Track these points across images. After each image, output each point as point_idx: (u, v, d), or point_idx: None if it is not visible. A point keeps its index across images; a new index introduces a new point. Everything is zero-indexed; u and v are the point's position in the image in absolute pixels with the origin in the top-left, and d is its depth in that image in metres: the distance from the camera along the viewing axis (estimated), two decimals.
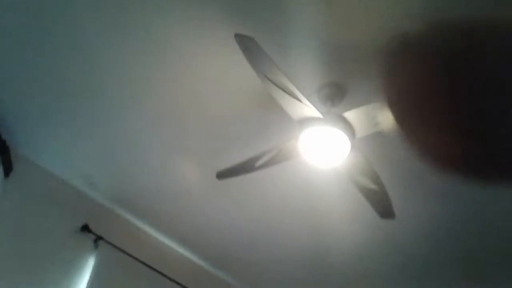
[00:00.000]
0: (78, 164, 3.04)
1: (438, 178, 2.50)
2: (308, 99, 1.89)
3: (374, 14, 1.82)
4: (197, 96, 2.38)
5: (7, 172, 2.80)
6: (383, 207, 2.36)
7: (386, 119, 1.99)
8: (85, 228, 3.12)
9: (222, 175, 2.45)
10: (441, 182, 2.52)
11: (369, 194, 2.30)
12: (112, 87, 2.42)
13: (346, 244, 3.20)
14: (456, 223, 2.78)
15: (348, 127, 2.00)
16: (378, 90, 2.10)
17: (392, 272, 3.37)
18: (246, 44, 1.74)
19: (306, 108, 1.95)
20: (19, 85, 2.50)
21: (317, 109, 1.94)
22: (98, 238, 3.15)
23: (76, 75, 2.38)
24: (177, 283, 3.47)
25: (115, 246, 3.21)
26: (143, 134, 2.69)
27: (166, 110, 2.50)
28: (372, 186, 2.24)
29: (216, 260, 3.74)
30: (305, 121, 2.01)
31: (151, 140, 2.72)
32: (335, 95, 2.15)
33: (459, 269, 3.20)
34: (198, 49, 2.12)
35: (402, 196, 2.63)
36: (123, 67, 2.28)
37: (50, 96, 2.53)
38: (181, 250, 3.68)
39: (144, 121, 2.59)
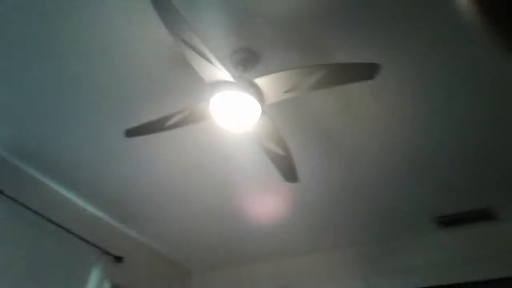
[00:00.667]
0: None
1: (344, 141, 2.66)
2: (220, 63, 1.90)
3: None
4: (108, 54, 2.28)
5: None
6: (288, 171, 2.47)
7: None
8: None
9: (132, 132, 2.40)
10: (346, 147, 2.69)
11: (275, 158, 2.39)
12: (17, 41, 2.23)
13: (253, 207, 3.32)
14: (356, 188, 2.99)
15: (258, 92, 2.04)
16: (290, 58, 2.15)
17: (301, 229, 3.56)
18: (161, 5, 1.69)
19: (218, 71, 1.95)
20: None
21: (229, 72, 1.95)
22: None
23: None
24: (83, 239, 3.41)
25: (14, 200, 3.07)
26: (49, 90, 2.53)
27: (74, 66, 2.36)
28: (279, 151, 2.33)
29: (120, 214, 3.70)
30: (216, 84, 2.02)
31: (52, 91, 2.56)
32: (248, 60, 2.16)
33: (356, 232, 3.47)
34: (112, 9, 2.02)
35: (306, 161, 2.77)
36: (27, 16, 2.11)
37: None
38: (86, 205, 3.59)
39: (50, 77, 2.44)
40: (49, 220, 3.24)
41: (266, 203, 3.28)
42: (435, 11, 1.87)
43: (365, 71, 1.86)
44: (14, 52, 2.33)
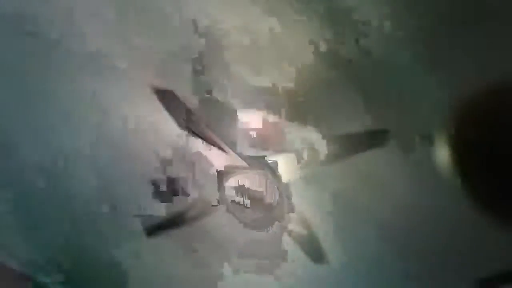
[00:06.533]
0: None
1: None
2: (230, 148, 1.92)
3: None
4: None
5: None
6: (315, 251, 2.40)
7: None
8: None
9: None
10: None
11: (300, 239, 2.33)
12: None
13: None
14: None
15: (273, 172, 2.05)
16: None
17: None
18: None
19: (229, 157, 1.98)
20: None
21: (241, 157, 1.98)
22: None
23: None
24: None
25: None
26: None
27: None
28: (302, 231, 2.28)
29: None
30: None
31: None
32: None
33: None
34: None
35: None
36: None
37: None
38: None
39: None
40: None
41: None
42: None
43: (375, 139, 1.87)
44: None
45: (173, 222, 2.32)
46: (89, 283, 2.84)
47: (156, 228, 2.36)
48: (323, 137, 1.91)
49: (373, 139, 1.85)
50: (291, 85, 2.00)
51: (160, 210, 2.35)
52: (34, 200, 2.54)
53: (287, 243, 2.53)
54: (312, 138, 2.10)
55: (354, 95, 2.02)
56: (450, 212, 2.52)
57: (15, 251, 2.72)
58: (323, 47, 1.83)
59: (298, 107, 2.07)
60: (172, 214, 2.27)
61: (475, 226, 2.59)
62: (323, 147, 1.90)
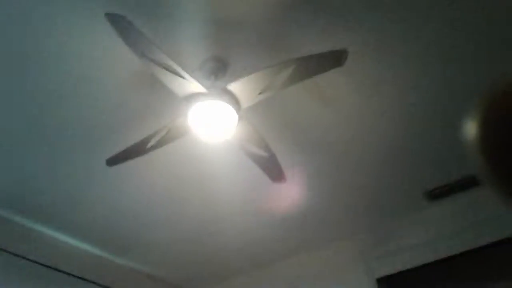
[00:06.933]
0: None
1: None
2: (191, 75, 1.91)
3: None
4: (76, 85, 2.27)
5: None
6: (274, 171, 2.49)
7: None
8: None
9: (113, 161, 2.39)
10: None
11: (260, 161, 2.41)
12: None
13: (242, 213, 3.32)
14: (342, 178, 3.02)
15: (233, 98, 2.06)
16: (260, 60, 2.19)
17: (294, 229, 3.57)
18: (119, 24, 1.70)
19: (189, 84, 1.96)
20: None
21: (201, 84, 1.97)
22: None
23: None
24: (77, 277, 3.35)
25: (6, 251, 3.00)
26: (20, 131, 2.50)
27: (43, 101, 2.34)
28: (262, 152, 2.35)
29: (115, 247, 3.64)
30: (191, 97, 2.03)
31: (29, 135, 2.53)
32: (218, 68, 2.18)
33: (349, 222, 3.50)
34: (70, 33, 2.01)
35: (290, 158, 2.80)
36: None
37: None
38: (77, 243, 3.52)
39: (20, 116, 2.41)
40: (43, 265, 3.17)
41: (256, 207, 3.28)
42: None
43: (333, 59, 1.90)
44: None
45: (134, 151, 2.33)
46: None
47: (117, 158, 2.36)
48: (282, 60, 1.92)
49: (332, 59, 1.88)
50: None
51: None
52: None
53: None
54: (270, 62, 2.12)
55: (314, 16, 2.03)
56: (402, 134, 2.68)
57: None
58: None
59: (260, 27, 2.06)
60: (134, 143, 2.27)
61: (421, 146, 2.77)
62: (282, 71, 1.91)
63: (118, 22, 1.69)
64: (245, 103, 2.10)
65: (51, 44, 2.06)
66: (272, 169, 2.47)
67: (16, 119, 2.42)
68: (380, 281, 3.36)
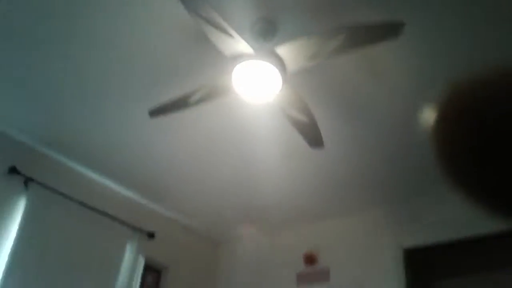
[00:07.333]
0: (2, 109, 2.89)
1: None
2: (240, 35, 1.89)
3: None
4: (127, 38, 2.29)
5: None
6: (313, 137, 2.48)
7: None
8: (13, 170, 3.01)
9: (155, 112, 2.43)
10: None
11: (300, 126, 2.40)
12: (39, 31, 2.26)
13: (277, 176, 3.35)
14: (381, 149, 2.98)
15: (279, 61, 2.03)
16: (310, 25, 2.13)
17: (324, 201, 3.59)
18: None
19: (238, 43, 1.94)
20: None
21: (249, 44, 1.94)
22: (27, 180, 3.06)
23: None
24: (113, 217, 3.50)
25: (46, 187, 3.14)
26: (69, 74, 2.57)
27: (93, 47, 2.38)
28: (303, 118, 2.34)
29: (150, 192, 3.77)
30: (237, 57, 2.01)
31: (78, 79, 2.60)
32: (267, 30, 2.14)
33: (383, 191, 3.48)
34: None
35: (331, 126, 2.77)
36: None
37: None
38: (114, 185, 3.66)
39: (70, 61, 2.47)
40: (82, 204, 3.32)
41: (290, 170, 3.30)
42: None
43: (387, 31, 1.83)
44: (41, 46, 2.40)
45: (176, 105, 2.35)
46: None
47: (160, 110, 2.40)
48: (333, 28, 1.87)
49: (387, 31, 1.81)
50: None
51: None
52: None
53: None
54: (321, 28, 2.06)
55: None
56: None
57: None
58: None
59: None
60: (177, 97, 2.29)
61: None
62: (332, 38, 1.86)
63: None
64: (291, 67, 2.07)
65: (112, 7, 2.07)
66: (311, 135, 2.46)
67: (67, 65, 2.50)
68: (407, 251, 3.37)
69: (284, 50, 1.99)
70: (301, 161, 3.15)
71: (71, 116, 2.91)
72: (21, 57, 2.49)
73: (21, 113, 2.95)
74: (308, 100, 2.27)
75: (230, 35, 1.90)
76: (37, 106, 2.87)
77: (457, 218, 3.23)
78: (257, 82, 2.08)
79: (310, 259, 3.78)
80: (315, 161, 3.14)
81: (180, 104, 2.35)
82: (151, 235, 3.75)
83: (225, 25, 1.83)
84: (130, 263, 3.53)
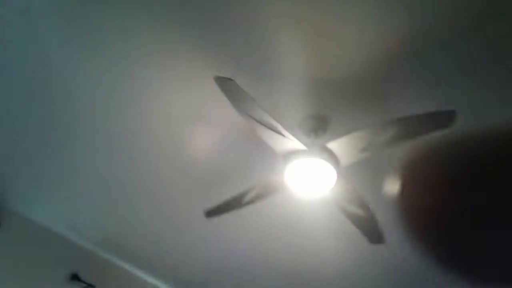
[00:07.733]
0: (64, 213, 3.02)
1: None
2: (291, 133, 1.92)
3: (355, 48, 1.88)
4: (180, 136, 2.40)
5: None
6: (372, 232, 2.38)
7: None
8: (75, 277, 3.06)
9: (211, 213, 2.45)
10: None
11: (357, 221, 2.32)
12: (99, 138, 2.44)
13: (336, 273, 3.20)
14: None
15: (332, 156, 2.03)
16: (360, 118, 2.15)
17: None
18: (226, 86, 1.77)
19: (289, 141, 1.97)
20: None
21: (301, 141, 1.97)
22: (89, 286, 3.08)
23: (59, 131, 2.39)
24: None
25: None
26: (128, 180, 2.69)
27: (151, 154, 2.50)
28: (360, 212, 2.26)
29: None
30: (290, 154, 2.04)
31: (136, 185, 2.71)
32: (318, 126, 2.18)
33: None
34: (178, 91, 2.15)
35: (389, 219, 2.66)
36: (108, 117, 2.30)
37: (36, 150, 2.53)
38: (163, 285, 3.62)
39: (128, 167, 2.60)
40: None
41: (348, 270, 3.14)
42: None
43: (440, 120, 1.81)
44: (96, 159, 2.53)
45: (231, 205, 2.37)
46: None
47: (215, 211, 2.41)
48: (383, 119, 1.87)
49: (439, 120, 1.78)
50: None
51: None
52: None
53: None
54: (371, 120, 2.07)
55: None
56: None
57: None
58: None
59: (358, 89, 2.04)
60: (231, 197, 2.31)
61: None
62: (384, 130, 1.85)
63: (226, 84, 1.76)
64: (344, 161, 2.05)
65: (162, 101, 2.22)
66: (370, 230, 2.36)
67: (132, 177, 2.67)
68: None
69: (336, 145, 1.99)
70: (361, 259, 3.00)
71: (132, 221, 2.98)
72: (88, 166, 2.65)
73: (83, 219, 3.06)
74: (365, 192, 2.22)
75: (281, 134, 1.94)
76: (99, 211, 2.98)
77: None
78: (310, 178, 2.07)
79: None
80: (374, 256, 2.98)
81: (234, 204, 2.36)
82: None
83: (276, 124, 1.88)
84: None
